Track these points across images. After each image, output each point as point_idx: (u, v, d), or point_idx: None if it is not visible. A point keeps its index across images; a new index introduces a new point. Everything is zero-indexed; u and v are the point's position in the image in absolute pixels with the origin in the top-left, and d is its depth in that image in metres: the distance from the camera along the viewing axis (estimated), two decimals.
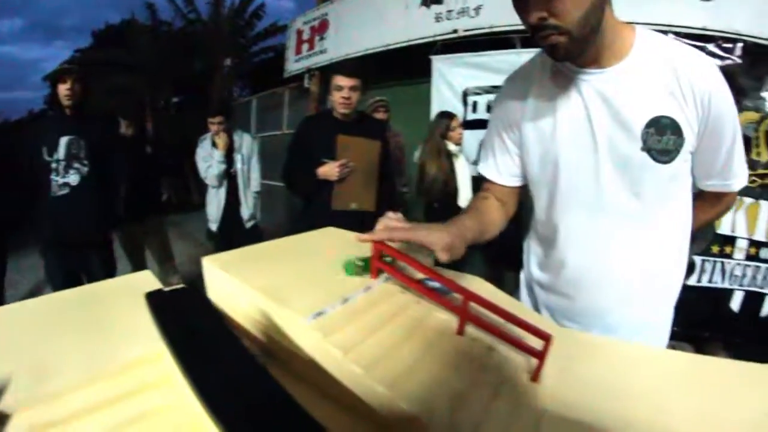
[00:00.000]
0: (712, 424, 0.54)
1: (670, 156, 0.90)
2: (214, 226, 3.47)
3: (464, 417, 0.49)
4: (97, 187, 2.65)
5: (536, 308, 1.18)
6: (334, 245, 0.93)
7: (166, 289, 0.63)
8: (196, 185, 8.35)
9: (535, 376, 0.61)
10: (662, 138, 0.89)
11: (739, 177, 1.00)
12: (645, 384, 0.62)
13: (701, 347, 3.43)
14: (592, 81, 0.93)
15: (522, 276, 1.25)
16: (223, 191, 3.39)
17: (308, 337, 0.58)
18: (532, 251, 1.19)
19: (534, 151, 1.04)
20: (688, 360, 0.72)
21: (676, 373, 0.67)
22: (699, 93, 0.87)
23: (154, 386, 0.50)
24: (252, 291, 0.67)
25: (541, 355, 0.61)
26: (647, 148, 0.90)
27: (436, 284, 0.70)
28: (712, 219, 1.13)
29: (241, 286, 0.69)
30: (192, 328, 0.54)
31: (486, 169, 1.16)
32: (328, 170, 2.38)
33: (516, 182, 1.13)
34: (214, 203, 3.43)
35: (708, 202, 1.07)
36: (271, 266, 0.78)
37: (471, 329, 0.67)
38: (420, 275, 0.73)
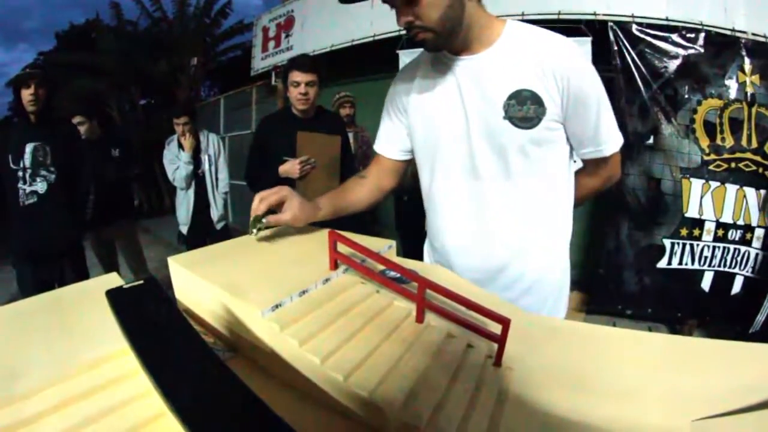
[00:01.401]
0: (685, 402, 0.54)
1: (531, 123, 1.02)
2: (184, 229, 3.42)
3: (422, 402, 0.50)
4: (65, 193, 2.61)
5: None
6: (297, 240, 0.94)
7: (126, 285, 0.63)
8: (167, 189, 8.16)
9: (497, 360, 0.61)
10: (523, 107, 1.01)
11: (608, 143, 1.09)
12: (614, 365, 0.63)
13: (676, 327, 3.52)
14: (463, 65, 1.07)
15: (425, 244, 1.36)
16: (191, 193, 3.34)
17: (267, 329, 0.59)
18: (427, 219, 1.31)
19: (418, 128, 1.19)
20: (661, 340, 0.73)
21: (646, 354, 0.67)
22: (558, 71, 0.99)
23: (119, 382, 0.51)
24: (214, 287, 0.67)
25: (500, 340, 0.61)
26: (509, 117, 1.02)
27: (394, 274, 0.71)
28: (598, 186, 1.22)
29: (204, 283, 0.70)
30: (151, 322, 0.55)
31: (377, 145, 1.34)
32: (290, 168, 2.37)
33: (401, 156, 1.30)
34: (184, 206, 3.38)
35: (590, 170, 1.19)
36: (233, 263, 0.78)
37: (432, 317, 0.68)
38: (378, 265, 0.75)
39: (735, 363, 0.62)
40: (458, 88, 1.08)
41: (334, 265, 0.76)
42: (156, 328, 0.54)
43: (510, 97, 1.02)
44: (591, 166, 1.17)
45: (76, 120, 3.14)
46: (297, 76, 2.34)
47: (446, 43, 1.03)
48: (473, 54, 1.06)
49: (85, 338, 0.57)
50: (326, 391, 0.53)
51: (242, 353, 0.67)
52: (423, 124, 1.18)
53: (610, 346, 0.69)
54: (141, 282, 0.63)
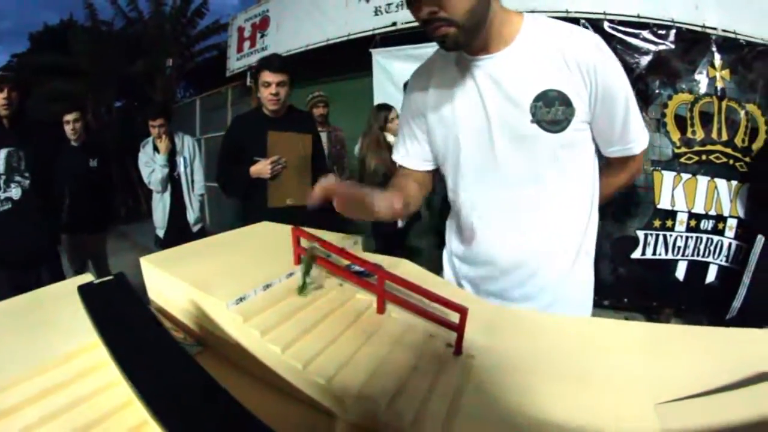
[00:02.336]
0: (651, 386, 0.55)
1: (561, 126, 0.97)
2: (161, 232, 3.39)
3: (380, 389, 0.51)
4: (40, 199, 2.56)
5: (458, 283, 1.22)
6: (265, 238, 0.97)
7: (97, 281, 0.65)
8: (144, 192, 8.07)
9: (457, 348, 0.62)
10: (551, 109, 0.96)
11: (638, 141, 1.06)
12: (579, 352, 0.64)
13: (652, 317, 3.59)
14: (482, 66, 1.01)
15: (444, 252, 1.30)
16: (167, 196, 3.31)
17: (231, 321, 0.61)
18: (450, 227, 1.26)
19: (438, 134, 1.12)
20: (628, 327, 0.73)
21: (613, 340, 0.68)
22: (584, 66, 0.94)
23: (90, 373, 0.53)
24: (182, 284, 0.70)
25: (458, 328, 0.62)
26: (537, 120, 0.97)
27: (358, 268, 0.74)
28: (624, 183, 1.18)
29: (174, 280, 0.72)
30: (120, 316, 0.57)
31: (398, 157, 1.25)
32: (261, 168, 2.36)
33: (427, 166, 1.21)
34: (160, 208, 3.35)
35: (615, 168, 1.14)
36: (204, 261, 0.80)
37: (393, 309, 0.70)
38: (343, 260, 0.77)
39: (705, 348, 0.63)
40: (478, 90, 1.02)
41: (298, 260, 0.78)
42: (125, 321, 0.56)
43: (536, 99, 0.96)
44: (618, 164, 1.12)
45: (71, 116, 3.09)
46: (268, 76, 2.33)
47: (469, 41, 0.94)
48: (492, 53, 1.00)
49: (59, 333, 0.59)
50: (287, 380, 0.56)
51: (211, 348, 0.69)
52: (442, 129, 1.11)
53: (576, 334, 0.71)
54: (111, 278, 0.65)
